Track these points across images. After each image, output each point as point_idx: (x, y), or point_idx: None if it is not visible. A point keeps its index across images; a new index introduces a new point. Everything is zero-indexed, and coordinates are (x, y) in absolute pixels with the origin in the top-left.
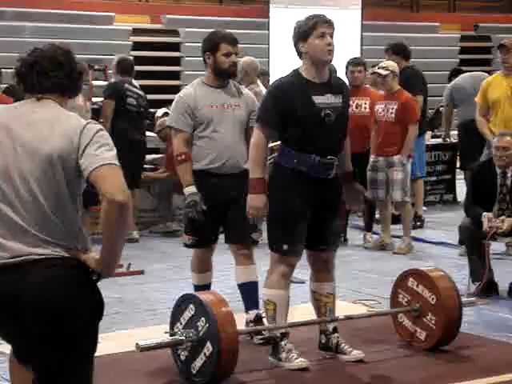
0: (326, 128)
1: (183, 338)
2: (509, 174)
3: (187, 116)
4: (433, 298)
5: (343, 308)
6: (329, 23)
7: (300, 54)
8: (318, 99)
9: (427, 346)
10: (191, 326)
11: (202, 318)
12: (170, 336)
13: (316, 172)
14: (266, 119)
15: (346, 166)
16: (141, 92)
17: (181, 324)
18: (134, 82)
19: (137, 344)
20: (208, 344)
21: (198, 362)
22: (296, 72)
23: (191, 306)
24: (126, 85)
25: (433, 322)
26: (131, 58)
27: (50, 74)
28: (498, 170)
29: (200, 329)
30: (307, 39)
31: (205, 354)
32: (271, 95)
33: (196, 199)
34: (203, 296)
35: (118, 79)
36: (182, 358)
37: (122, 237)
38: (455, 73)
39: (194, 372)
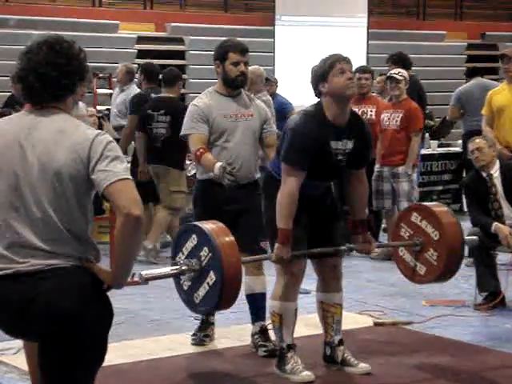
0: (334, 166)
1: (186, 267)
2: (495, 174)
3: (203, 122)
4: (436, 234)
5: (349, 319)
6: (346, 60)
7: (320, 94)
8: (334, 145)
9: (426, 280)
10: (194, 255)
11: (205, 248)
12: (173, 266)
13: (309, 191)
14: (298, 161)
15: (358, 214)
16: None
17: (183, 254)
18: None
19: (140, 274)
20: (211, 273)
21: (201, 292)
22: (319, 110)
23: (194, 235)
24: (152, 94)
25: (434, 257)
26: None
27: (46, 82)
28: (484, 174)
29: (203, 258)
30: (326, 79)
31: (208, 283)
32: (298, 134)
33: (225, 166)
34: (206, 226)
35: (143, 87)
36: (185, 287)
37: (135, 250)
38: (471, 74)
39: (197, 301)
